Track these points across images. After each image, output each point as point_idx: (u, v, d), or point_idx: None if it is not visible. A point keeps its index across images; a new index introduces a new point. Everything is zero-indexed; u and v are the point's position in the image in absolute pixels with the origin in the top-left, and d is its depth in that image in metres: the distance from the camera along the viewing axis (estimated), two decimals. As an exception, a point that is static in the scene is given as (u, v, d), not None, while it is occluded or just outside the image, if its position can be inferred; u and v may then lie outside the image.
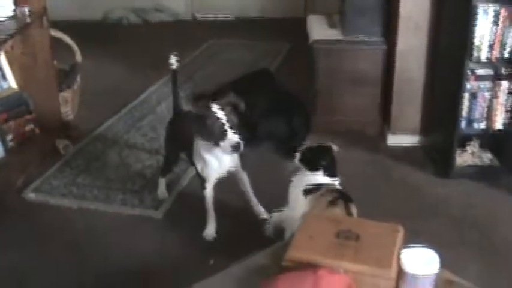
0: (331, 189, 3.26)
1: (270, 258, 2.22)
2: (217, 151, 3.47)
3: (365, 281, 1.95)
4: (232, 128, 3.35)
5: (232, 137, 3.33)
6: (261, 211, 3.82)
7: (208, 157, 3.53)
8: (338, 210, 3.08)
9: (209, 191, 3.66)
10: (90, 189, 4.25)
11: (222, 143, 3.34)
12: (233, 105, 3.46)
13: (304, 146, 3.47)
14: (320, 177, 3.33)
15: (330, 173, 3.36)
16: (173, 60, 3.97)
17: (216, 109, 3.38)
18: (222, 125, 3.33)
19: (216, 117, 3.35)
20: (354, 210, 3.13)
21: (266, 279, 1.96)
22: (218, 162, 3.55)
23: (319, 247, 2.07)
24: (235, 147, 3.33)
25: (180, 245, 3.68)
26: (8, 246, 3.72)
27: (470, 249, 3.56)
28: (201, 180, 3.66)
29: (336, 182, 3.37)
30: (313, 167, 3.35)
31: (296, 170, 3.44)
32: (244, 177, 3.76)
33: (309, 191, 3.27)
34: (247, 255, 2.34)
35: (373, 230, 2.18)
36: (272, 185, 3.75)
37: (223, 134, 3.33)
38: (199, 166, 3.63)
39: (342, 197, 3.18)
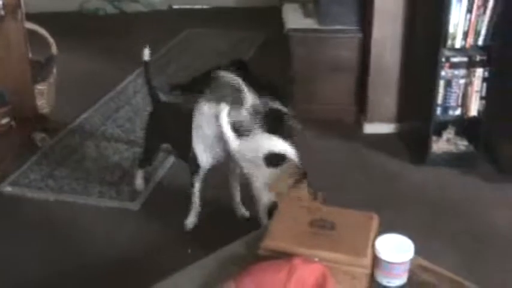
0: (293, 166, 3.27)
1: (245, 248, 2.23)
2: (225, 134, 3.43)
3: (340, 269, 1.96)
4: None
5: None
6: (243, 212, 3.79)
7: (214, 141, 3.49)
8: (303, 192, 3.10)
9: (200, 180, 3.64)
10: (67, 182, 4.23)
11: None
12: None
13: None
14: (277, 143, 3.30)
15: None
16: (146, 52, 3.95)
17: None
18: None
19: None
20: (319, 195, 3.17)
21: (242, 268, 1.97)
22: (222, 145, 3.49)
23: (294, 236, 2.08)
24: None
25: (157, 235, 3.69)
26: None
27: (445, 236, 3.60)
28: (194, 168, 3.60)
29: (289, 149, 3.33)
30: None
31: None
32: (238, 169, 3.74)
33: (271, 161, 3.28)
34: (225, 244, 2.35)
35: (348, 219, 2.19)
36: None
37: None
38: (199, 152, 3.56)
39: (305, 176, 3.22)
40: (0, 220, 3.88)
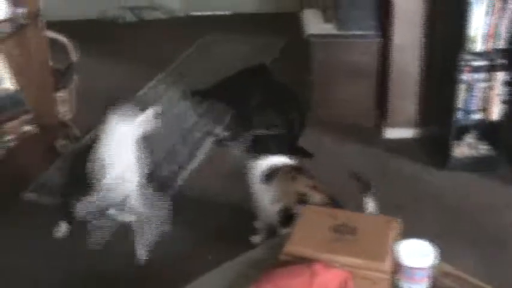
0: (285, 169, 3.39)
1: (266, 253, 2.23)
2: None
3: (359, 274, 1.96)
4: None
5: None
6: None
7: None
8: (301, 181, 3.27)
9: None
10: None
11: None
12: None
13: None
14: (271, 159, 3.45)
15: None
16: None
17: None
18: None
19: None
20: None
21: (262, 274, 1.97)
22: None
23: (316, 241, 2.08)
24: None
25: (177, 241, 3.69)
26: (9, 247, 3.73)
27: (467, 240, 3.58)
28: None
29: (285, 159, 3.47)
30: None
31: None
32: None
33: (268, 176, 3.37)
34: (246, 250, 2.35)
35: (369, 223, 2.19)
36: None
37: None
38: None
39: (297, 171, 3.35)
40: (23, 226, 3.90)
